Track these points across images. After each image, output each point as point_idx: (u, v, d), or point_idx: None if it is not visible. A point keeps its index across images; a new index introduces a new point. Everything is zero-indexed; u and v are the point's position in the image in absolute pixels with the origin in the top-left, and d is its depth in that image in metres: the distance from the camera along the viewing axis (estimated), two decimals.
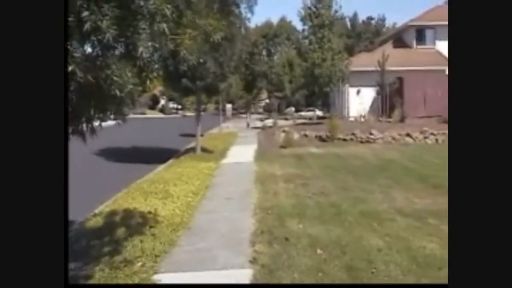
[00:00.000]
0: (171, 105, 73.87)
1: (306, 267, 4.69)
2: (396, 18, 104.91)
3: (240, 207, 7.50)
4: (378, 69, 23.49)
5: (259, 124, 30.80)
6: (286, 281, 4.40)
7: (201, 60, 3.99)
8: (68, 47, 2.96)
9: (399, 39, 29.66)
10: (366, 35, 58.11)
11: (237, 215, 6.97)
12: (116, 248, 5.34)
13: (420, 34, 28.22)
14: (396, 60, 23.94)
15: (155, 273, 4.65)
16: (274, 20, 62.05)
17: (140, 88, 3.85)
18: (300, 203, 7.55)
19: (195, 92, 14.94)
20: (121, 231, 5.90)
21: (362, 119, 23.73)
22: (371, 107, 25.51)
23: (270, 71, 51.28)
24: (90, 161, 14.94)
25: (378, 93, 24.53)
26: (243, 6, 13.49)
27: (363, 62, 25.87)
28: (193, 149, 15.51)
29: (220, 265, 4.87)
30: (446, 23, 16.57)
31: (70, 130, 3.59)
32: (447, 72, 18.91)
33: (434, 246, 5.28)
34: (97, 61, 3.24)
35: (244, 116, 50.78)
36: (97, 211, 7.38)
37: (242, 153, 15.42)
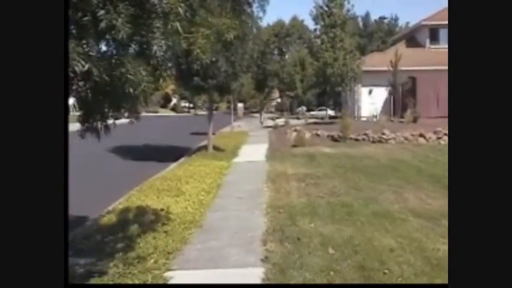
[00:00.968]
0: (183, 104, 74.18)
1: (318, 267, 4.68)
2: (409, 18, 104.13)
3: (251, 205, 7.51)
4: (391, 69, 23.35)
5: (270, 123, 30.79)
6: (298, 280, 4.40)
7: (213, 59, 4.00)
8: (84, 45, 3.00)
9: (412, 39, 29.46)
10: (378, 34, 57.82)
11: (248, 214, 6.98)
12: (130, 244, 5.38)
13: (433, 33, 28.00)
14: (409, 59, 23.78)
15: (168, 270, 4.68)
16: (286, 19, 61.96)
17: (153, 86, 3.89)
18: (312, 202, 7.54)
19: (206, 90, 14.99)
20: (134, 228, 5.95)
21: (374, 119, 23.60)
22: (383, 107, 25.37)
23: (281, 70, 51.08)
24: (104, 158, 15.10)
25: (390, 93, 24.39)
26: (255, 5, 13.53)
27: (376, 61, 25.74)
28: (205, 148, 15.57)
29: (231, 263, 4.89)
30: None
31: (85, 127, 3.66)
32: None
33: (447, 248, 5.24)
34: (112, 60, 3.27)
35: (255, 115, 50.84)
36: (110, 208, 7.46)
37: (254, 152, 15.44)
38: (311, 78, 33.36)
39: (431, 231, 5.88)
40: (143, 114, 3.83)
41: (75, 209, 7.59)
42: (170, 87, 60.81)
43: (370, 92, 26.20)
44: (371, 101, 26.05)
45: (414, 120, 20.64)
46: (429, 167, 11.47)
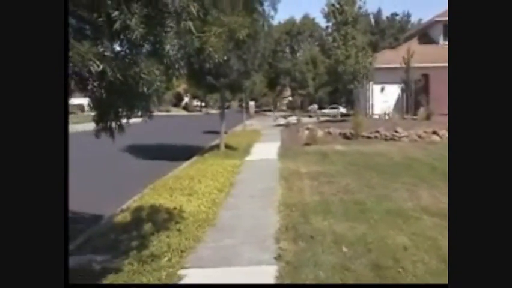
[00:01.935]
0: (195, 102, 74.50)
1: (331, 265, 4.68)
2: (421, 14, 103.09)
3: (264, 204, 7.52)
4: (403, 66, 23.15)
5: (282, 121, 30.76)
6: (311, 278, 4.40)
7: (225, 58, 4.02)
8: (99, 46, 3.03)
9: (425, 35, 29.14)
10: (390, 31, 57.34)
11: (261, 212, 6.99)
12: (144, 242, 5.43)
13: (447, 30, 27.66)
14: (422, 56, 23.54)
15: (182, 268, 4.72)
16: (298, 17, 61.86)
17: (165, 85, 3.92)
18: (325, 200, 7.53)
19: (219, 89, 15.03)
20: (147, 227, 6.01)
21: (386, 117, 23.43)
22: (396, 104, 25.17)
23: (293, 69, 51.07)
24: (118, 157, 15.23)
25: (403, 90, 24.19)
26: (266, 3, 13.55)
27: (388, 58, 25.55)
28: (217, 146, 15.61)
29: (245, 261, 4.90)
30: None
31: (100, 127, 3.70)
32: None
33: None
34: (126, 59, 3.31)
35: (267, 113, 50.84)
36: (124, 206, 7.53)
37: (266, 150, 15.44)
38: (323, 76, 33.33)
39: (445, 230, 5.81)
40: (156, 113, 3.85)
41: (90, 207, 7.72)
42: (182, 86, 61.11)
43: (382, 89, 26.01)
44: (383, 98, 25.87)
45: (428, 118, 20.46)
46: (443, 164, 11.35)
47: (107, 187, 10.20)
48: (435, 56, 24.58)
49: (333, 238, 5.52)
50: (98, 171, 12.63)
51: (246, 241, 5.56)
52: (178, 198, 7.80)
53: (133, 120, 3.72)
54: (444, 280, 4.30)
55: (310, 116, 36.70)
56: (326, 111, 43.29)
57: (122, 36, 3.27)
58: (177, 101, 74.23)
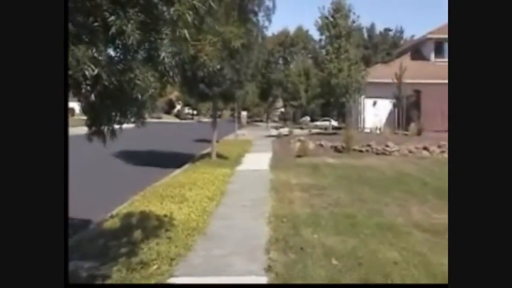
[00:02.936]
0: (187, 110, 74.46)
1: (321, 278, 4.64)
2: (414, 30, 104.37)
3: (255, 214, 7.48)
4: (395, 81, 23.35)
5: (274, 132, 30.80)
6: None
7: (219, 67, 4.02)
8: (93, 50, 3.01)
9: (417, 52, 29.49)
10: (383, 46, 57.88)
11: (252, 222, 6.95)
12: (133, 249, 5.36)
13: (438, 47, 27.99)
14: (414, 72, 23.79)
15: (171, 276, 4.65)
16: (291, 29, 62.24)
17: (159, 92, 3.90)
18: (315, 213, 7.50)
19: (211, 97, 15.04)
20: (137, 233, 5.93)
21: (378, 131, 23.57)
22: (387, 119, 25.35)
23: (286, 80, 51.23)
24: (109, 162, 15.12)
25: (394, 105, 24.37)
26: (260, 14, 13.65)
27: (380, 73, 25.77)
28: (208, 155, 15.57)
29: (234, 271, 4.85)
30: None
31: (92, 131, 3.66)
32: None
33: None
34: (121, 65, 3.29)
35: (259, 124, 50.89)
36: (114, 212, 7.44)
37: (257, 160, 15.42)
38: (315, 88, 33.43)
39: (436, 246, 5.82)
40: (148, 119, 3.84)
41: (79, 212, 7.59)
42: (174, 93, 61.07)
43: (374, 103, 26.20)
44: (375, 112, 26.05)
45: (419, 133, 20.60)
46: (434, 180, 11.41)
47: (97, 192, 10.09)
48: (427, 73, 24.88)
49: (324, 251, 5.49)
50: (88, 176, 12.49)
51: (236, 251, 5.51)
52: (169, 206, 7.73)
53: (125, 126, 3.69)
54: None
55: (302, 128, 36.82)
56: (318, 123, 43.47)
57: (117, 41, 3.25)
58: (169, 108, 74.20)
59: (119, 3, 2.99)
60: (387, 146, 17.65)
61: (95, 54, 2.97)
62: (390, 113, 25.21)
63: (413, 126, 21.21)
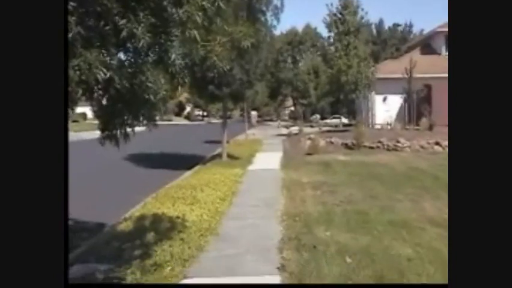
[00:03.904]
0: (196, 112, 74.63)
1: (335, 276, 4.64)
2: (423, 25, 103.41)
3: (267, 213, 7.49)
4: (405, 76, 23.17)
5: (284, 131, 30.77)
6: None
7: (228, 67, 4.03)
8: (105, 54, 3.05)
9: (427, 46, 29.20)
10: (392, 41, 57.47)
11: (264, 222, 6.96)
12: (147, 251, 5.40)
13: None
14: (424, 67, 23.57)
15: (185, 277, 4.68)
16: (300, 27, 62.07)
17: (170, 94, 3.92)
18: (328, 211, 7.49)
19: (221, 98, 15.08)
20: (150, 236, 5.97)
21: (389, 127, 23.41)
22: (398, 114, 25.15)
23: (295, 78, 51.19)
24: (120, 166, 15.21)
25: (405, 100, 24.17)
26: (268, 13, 13.64)
27: (390, 69, 25.58)
28: (219, 156, 15.61)
29: (248, 271, 4.86)
30: None
31: (105, 135, 3.70)
32: None
33: None
34: (132, 68, 3.32)
35: (269, 123, 50.92)
36: (127, 215, 7.50)
37: (268, 160, 15.42)
38: (325, 86, 33.36)
39: None
40: (158, 122, 3.87)
41: (93, 215, 7.69)
42: (184, 95, 61.28)
43: (384, 99, 26.02)
44: (385, 108, 25.86)
45: (430, 128, 20.42)
46: (446, 175, 11.31)
47: (110, 195, 10.18)
48: (437, 67, 24.60)
49: (337, 248, 5.48)
50: (101, 180, 12.61)
51: (249, 251, 5.52)
52: (181, 207, 7.77)
53: (136, 129, 3.72)
54: None
55: (312, 126, 36.71)
56: (328, 121, 43.30)
57: (128, 45, 3.29)
58: (179, 110, 74.42)
59: (129, 7, 3.02)
60: (398, 141, 17.54)
61: (107, 58, 3.01)
62: (401, 109, 25.01)
63: (424, 121, 21.02)
